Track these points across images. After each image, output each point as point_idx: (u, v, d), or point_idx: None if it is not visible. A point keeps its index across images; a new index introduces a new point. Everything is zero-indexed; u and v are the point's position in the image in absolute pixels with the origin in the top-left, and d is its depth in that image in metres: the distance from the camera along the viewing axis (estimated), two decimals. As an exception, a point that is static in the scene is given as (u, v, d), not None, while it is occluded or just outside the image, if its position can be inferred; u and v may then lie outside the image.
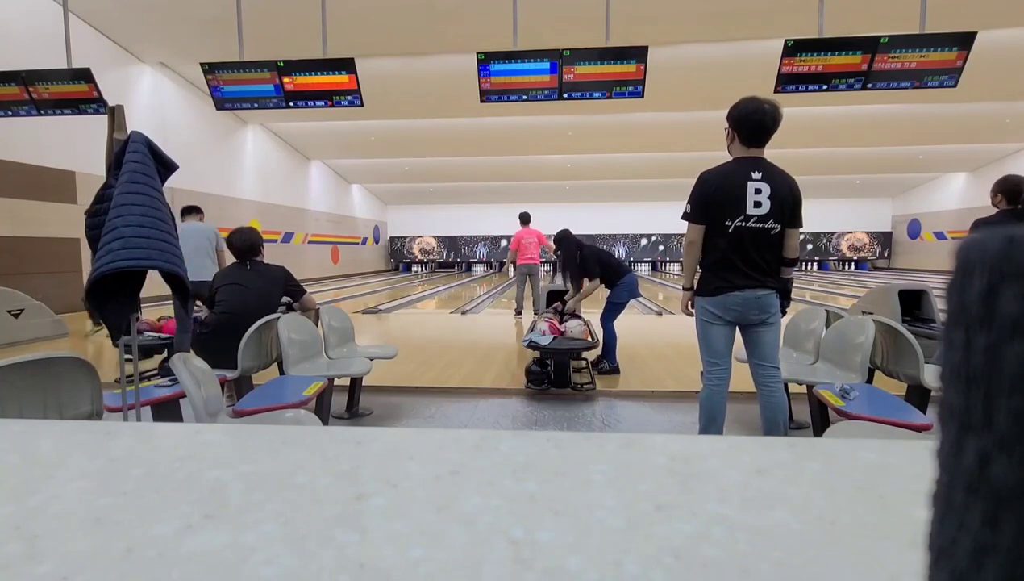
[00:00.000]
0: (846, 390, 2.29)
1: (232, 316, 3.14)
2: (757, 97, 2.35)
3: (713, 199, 2.39)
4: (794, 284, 2.69)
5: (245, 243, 3.46)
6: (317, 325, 3.75)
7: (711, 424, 2.52)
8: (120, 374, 2.12)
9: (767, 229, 2.36)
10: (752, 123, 2.34)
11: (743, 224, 2.35)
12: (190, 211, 4.89)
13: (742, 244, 2.37)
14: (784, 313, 2.58)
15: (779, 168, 2.43)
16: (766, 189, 2.33)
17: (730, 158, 2.47)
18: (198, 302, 4.06)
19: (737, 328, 2.53)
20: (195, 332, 3.25)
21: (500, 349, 5.44)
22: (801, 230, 2.50)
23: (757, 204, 2.33)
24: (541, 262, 8.08)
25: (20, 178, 8.05)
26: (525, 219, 8.00)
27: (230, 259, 3.62)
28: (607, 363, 4.45)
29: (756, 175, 2.34)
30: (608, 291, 4.63)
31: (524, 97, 4.87)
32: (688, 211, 2.48)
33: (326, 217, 18.56)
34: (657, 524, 0.54)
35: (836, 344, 2.94)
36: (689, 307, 2.66)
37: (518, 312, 8.02)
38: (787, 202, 2.37)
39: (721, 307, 2.43)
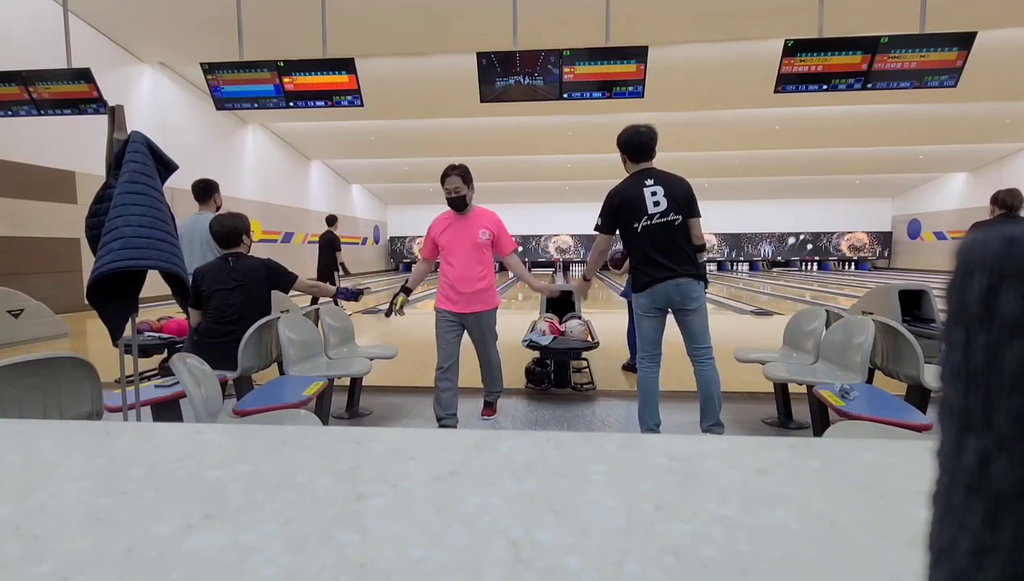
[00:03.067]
0: (846, 390, 2.29)
1: (223, 324, 3.07)
2: (635, 124, 2.93)
3: (620, 210, 2.88)
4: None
5: (224, 229, 3.24)
6: (317, 324, 3.75)
7: (647, 401, 2.91)
8: (120, 374, 2.12)
9: (671, 221, 2.83)
10: (635, 144, 2.90)
11: (648, 222, 2.83)
12: (206, 195, 4.26)
13: (654, 239, 2.83)
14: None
15: (668, 172, 2.93)
16: (660, 190, 2.84)
17: (628, 175, 2.96)
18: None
19: (670, 316, 2.92)
20: (192, 340, 3.19)
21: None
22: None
23: (656, 203, 2.82)
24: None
25: (20, 178, 8.06)
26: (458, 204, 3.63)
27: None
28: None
29: (649, 182, 2.86)
30: (617, 289, 4.48)
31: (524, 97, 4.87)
32: (599, 223, 2.98)
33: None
34: (657, 524, 0.54)
35: (836, 344, 2.94)
36: (586, 293, 3.58)
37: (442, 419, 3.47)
38: (680, 197, 2.85)
39: (650, 298, 2.86)
